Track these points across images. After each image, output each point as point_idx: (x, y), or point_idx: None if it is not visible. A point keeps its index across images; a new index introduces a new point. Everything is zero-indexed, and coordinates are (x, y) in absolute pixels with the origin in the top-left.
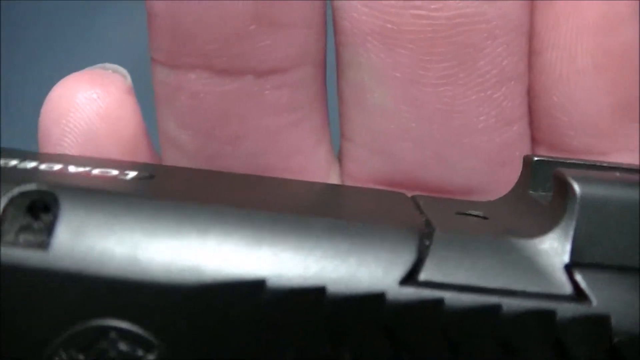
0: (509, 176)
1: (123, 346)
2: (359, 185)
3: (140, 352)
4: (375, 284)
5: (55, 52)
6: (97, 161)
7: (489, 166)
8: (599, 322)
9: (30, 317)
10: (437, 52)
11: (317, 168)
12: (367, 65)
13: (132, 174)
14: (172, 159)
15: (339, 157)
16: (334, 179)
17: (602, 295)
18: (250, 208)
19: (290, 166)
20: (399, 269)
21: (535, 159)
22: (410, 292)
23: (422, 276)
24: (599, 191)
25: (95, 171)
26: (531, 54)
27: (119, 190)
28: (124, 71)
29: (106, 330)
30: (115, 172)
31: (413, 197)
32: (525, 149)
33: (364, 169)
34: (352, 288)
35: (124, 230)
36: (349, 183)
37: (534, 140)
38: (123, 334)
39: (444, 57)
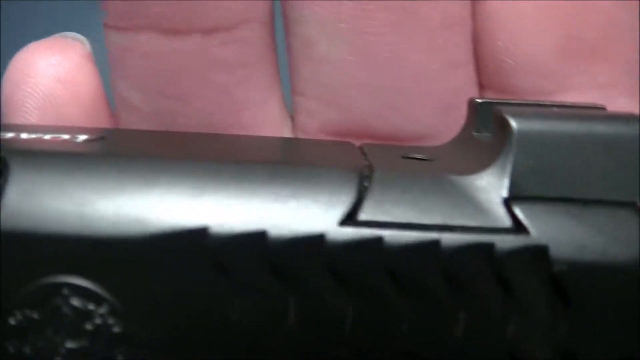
0: (458, 121)
1: (75, 301)
2: (312, 138)
3: (91, 307)
4: (315, 226)
5: None
6: (50, 128)
7: (438, 112)
8: (537, 252)
9: None
10: (380, 1)
11: (269, 123)
12: (311, 18)
13: (82, 137)
14: (127, 120)
15: (292, 112)
16: (286, 133)
17: (541, 227)
18: (193, 160)
19: (241, 121)
20: (338, 210)
21: (478, 101)
22: (350, 232)
23: (362, 216)
24: (536, 126)
25: (47, 136)
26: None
27: (67, 151)
28: (83, 38)
29: (58, 286)
30: (66, 137)
31: (361, 146)
32: (473, 94)
33: (316, 121)
34: (292, 230)
35: (72, 189)
36: (301, 137)
37: (482, 85)
38: (75, 289)
39: (387, 6)
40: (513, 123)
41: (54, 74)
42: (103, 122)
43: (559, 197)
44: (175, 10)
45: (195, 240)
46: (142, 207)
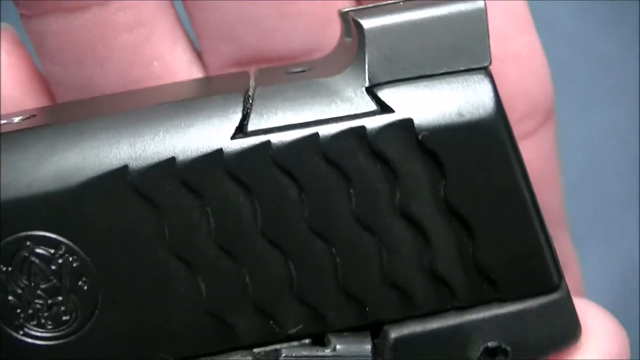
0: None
1: (39, 249)
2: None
3: (52, 250)
4: (212, 145)
5: None
6: None
7: (318, 26)
8: (403, 126)
9: None
10: None
11: (179, 68)
12: None
13: (17, 118)
14: (58, 92)
15: (200, 54)
16: (197, 74)
17: (402, 104)
18: (108, 115)
19: (153, 73)
20: (229, 127)
21: (342, 10)
22: (241, 142)
23: (250, 127)
24: (383, 21)
25: None
26: None
27: (5, 131)
28: (10, 26)
29: (22, 240)
30: (4, 121)
31: (255, 71)
32: (350, 5)
33: (218, 58)
34: (194, 152)
35: (14, 160)
36: (211, 74)
37: None
38: (36, 240)
39: None
40: (363, 23)
41: None
42: (41, 97)
43: (415, 77)
44: None
45: (119, 177)
46: (73, 162)
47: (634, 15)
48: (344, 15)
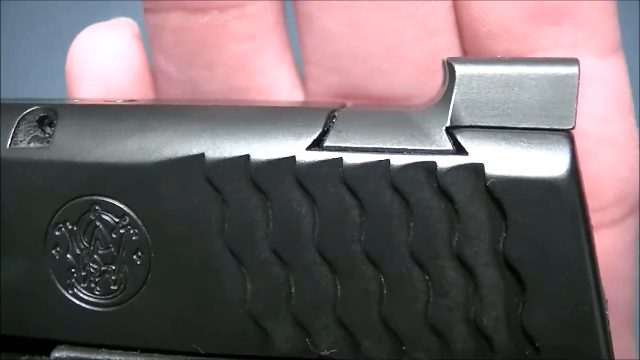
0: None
1: (104, 216)
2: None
3: (117, 219)
4: (287, 151)
5: (55, 52)
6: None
7: (421, 74)
8: (474, 169)
9: (37, 198)
10: None
11: (281, 87)
12: None
13: (120, 100)
14: (163, 87)
15: (304, 79)
16: (298, 97)
17: (477, 149)
18: (198, 107)
19: (256, 85)
20: (307, 139)
21: (445, 59)
22: (314, 155)
23: (327, 143)
24: (477, 68)
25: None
26: None
27: (101, 104)
28: (133, 22)
29: (91, 203)
30: (104, 102)
31: (352, 104)
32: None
33: (321, 86)
34: (268, 155)
35: (103, 130)
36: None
37: (464, 51)
38: (104, 206)
39: None
40: (456, 66)
41: (109, 51)
42: (146, 90)
43: (498, 126)
44: None
45: (194, 164)
46: (156, 141)
47: (633, 16)
48: (444, 64)
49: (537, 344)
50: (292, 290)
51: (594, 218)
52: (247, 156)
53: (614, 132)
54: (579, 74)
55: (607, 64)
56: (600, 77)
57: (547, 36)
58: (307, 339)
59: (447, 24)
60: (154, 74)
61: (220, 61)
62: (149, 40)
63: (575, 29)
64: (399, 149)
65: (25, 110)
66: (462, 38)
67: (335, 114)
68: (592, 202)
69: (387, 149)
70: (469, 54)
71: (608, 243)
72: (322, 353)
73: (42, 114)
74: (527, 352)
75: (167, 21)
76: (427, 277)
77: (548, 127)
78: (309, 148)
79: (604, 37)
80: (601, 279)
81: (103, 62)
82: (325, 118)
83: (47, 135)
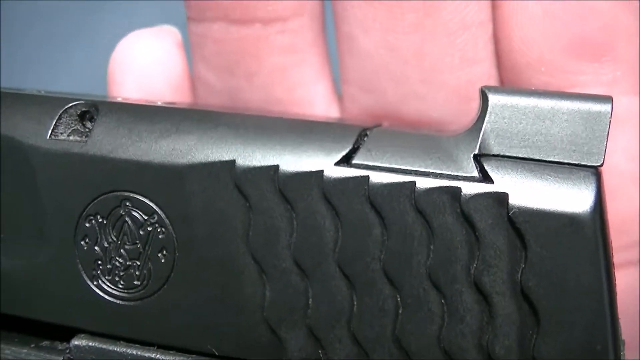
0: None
1: (134, 212)
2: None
3: (145, 217)
4: (316, 165)
5: (55, 52)
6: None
7: (457, 101)
8: (498, 198)
9: (71, 190)
10: (406, 5)
11: (318, 102)
12: (352, 17)
13: (159, 103)
14: (202, 94)
15: (341, 97)
16: (333, 114)
17: (503, 179)
18: (233, 114)
19: (294, 98)
20: (336, 155)
21: (481, 88)
22: (342, 171)
23: (355, 160)
24: (509, 100)
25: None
26: (493, 7)
27: (139, 104)
28: (176, 30)
29: (122, 199)
30: (144, 102)
31: (386, 124)
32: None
33: (357, 105)
34: (297, 167)
35: (139, 129)
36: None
37: (502, 80)
38: (134, 202)
39: (413, 8)
40: (489, 94)
41: (151, 57)
42: (185, 97)
43: (526, 157)
44: (241, 4)
45: (225, 169)
46: (190, 143)
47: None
48: (480, 92)
49: None
50: (310, 302)
51: (618, 256)
52: (277, 166)
53: None
54: (612, 112)
55: None
56: (635, 115)
57: (586, 72)
58: (320, 351)
59: (486, 53)
60: (194, 81)
61: (260, 72)
62: (191, 49)
63: (614, 66)
64: (425, 172)
65: (68, 104)
66: (500, 68)
67: (368, 132)
68: (617, 239)
69: (414, 171)
70: (507, 84)
71: (630, 282)
72: None
73: (84, 109)
74: None
75: (210, 31)
76: (443, 301)
77: (576, 162)
78: (337, 163)
79: (638, 74)
80: (619, 319)
81: (145, 69)
82: (357, 135)
83: (87, 129)
